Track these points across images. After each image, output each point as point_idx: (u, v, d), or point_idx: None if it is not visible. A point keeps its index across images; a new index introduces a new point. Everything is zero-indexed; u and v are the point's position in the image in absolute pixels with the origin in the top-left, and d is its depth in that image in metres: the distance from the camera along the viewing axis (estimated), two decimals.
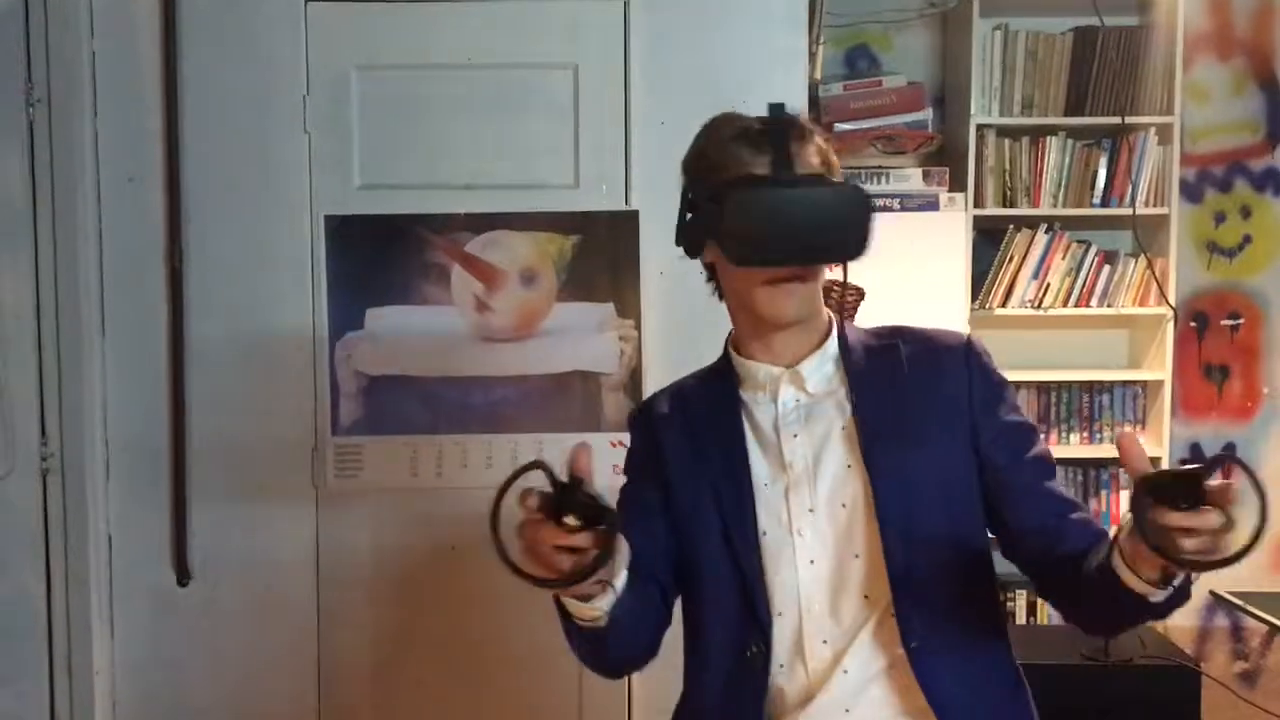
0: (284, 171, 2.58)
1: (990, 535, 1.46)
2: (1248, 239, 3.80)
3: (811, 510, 1.40)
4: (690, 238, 1.44)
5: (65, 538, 2.57)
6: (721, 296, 1.51)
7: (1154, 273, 3.55)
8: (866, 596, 1.38)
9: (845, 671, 1.36)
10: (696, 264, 2.57)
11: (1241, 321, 3.81)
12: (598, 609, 1.28)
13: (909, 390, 1.42)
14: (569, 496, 1.13)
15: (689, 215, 1.43)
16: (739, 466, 1.43)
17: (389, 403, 2.58)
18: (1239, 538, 1.12)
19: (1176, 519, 1.10)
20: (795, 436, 1.43)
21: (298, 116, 2.58)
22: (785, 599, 1.39)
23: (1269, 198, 3.79)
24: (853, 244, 1.35)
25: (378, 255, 2.58)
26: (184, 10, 2.56)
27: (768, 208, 1.34)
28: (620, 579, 1.28)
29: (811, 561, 1.39)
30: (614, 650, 1.38)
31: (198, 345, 2.61)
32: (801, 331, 1.43)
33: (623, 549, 1.25)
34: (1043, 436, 1.51)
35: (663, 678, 2.61)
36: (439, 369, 2.58)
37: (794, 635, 1.38)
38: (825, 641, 1.38)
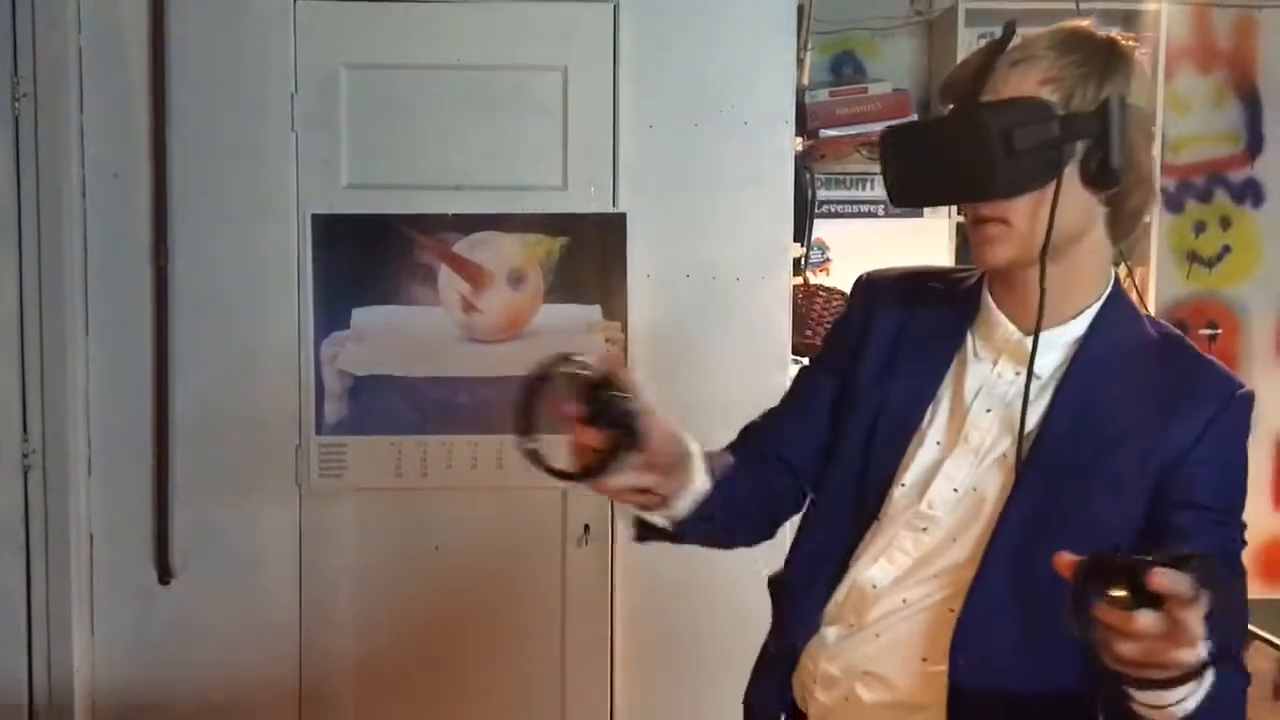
0: (271, 170, 2.57)
1: None
2: (1227, 249, 3.85)
3: (956, 490, 1.26)
4: None
5: (46, 535, 2.55)
6: None
7: (1134, 281, 3.57)
8: (935, 576, 1.26)
9: (877, 635, 1.27)
10: (682, 268, 2.62)
11: (1219, 331, 3.85)
12: (656, 520, 1.25)
13: (1130, 417, 1.21)
14: (598, 396, 1.09)
15: None
16: (915, 409, 1.30)
17: (374, 402, 2.58)
18: (1184, 654, 0.93)
19: (1102, 613, 0.92)
20: (989, 412, 1.26)
21: (285, 115, 2.57)
22: (885, 547, 1.29)
23: (1248, 208, 3.83)
24: (968, 180, 1.18)
25: (364, 255, 2.57)
26: (172, 6, 2.55)
27: (902, 143, 1.25)
28: (684, 489, 1.22)
29: (924, 530, 1.27)
30: (694, 540, 1.31)
31: (182, 343, 2.59)
32: (1050, 293, 1.20)
33: (680, 460, 1.19)
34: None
35: (645, 689, 2.64)
36: (425, 369, 2.58)
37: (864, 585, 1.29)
38: (874, 588, 1.28)
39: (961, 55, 3.50)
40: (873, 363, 1.35)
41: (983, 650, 1.19)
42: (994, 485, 1.25)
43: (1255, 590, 3.78)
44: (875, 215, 3.52)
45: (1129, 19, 3.61)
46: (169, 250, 2.58)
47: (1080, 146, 1.17)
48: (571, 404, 1.09)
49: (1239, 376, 1.26)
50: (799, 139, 2.73)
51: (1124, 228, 1.25)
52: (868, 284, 1.42)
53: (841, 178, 3.49)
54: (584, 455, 1.11)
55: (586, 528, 2.60)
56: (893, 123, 1.27)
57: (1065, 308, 1.24)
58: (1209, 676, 0.99)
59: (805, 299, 2.87)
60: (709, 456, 1.27)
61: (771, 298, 2.61)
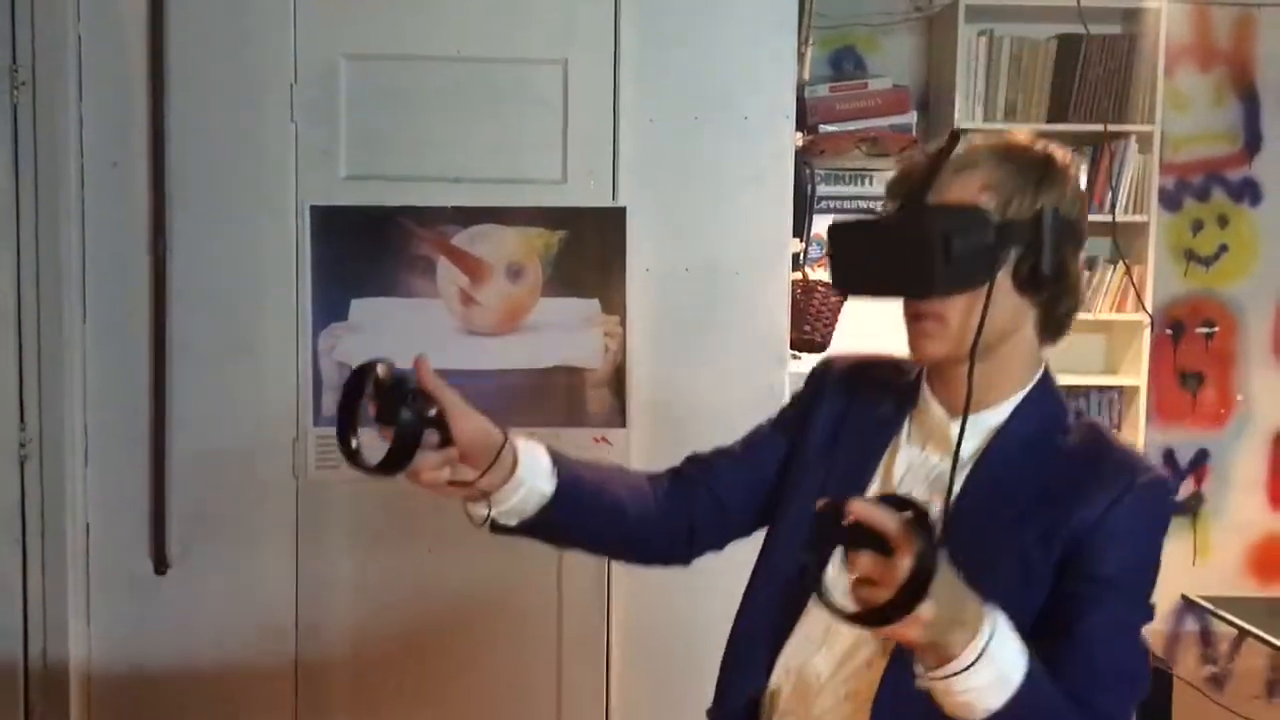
0: (270, 161, 2.57)
1: None
2: (1224, 248, 3.85)
3: None
4: None
5: (42, 524, 2.55)
6: None
7: (1132, 279, 3.59)
8: (863, 658, 1.29)
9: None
10: (681, 263, 2.62)
11: (1216, 330, 3.86)
12: (477, 514, 1.32)
13: (1039, 499, 1.24)
14: (388, 395, 1.20)
15: None
16: (855, 489, 1.33)
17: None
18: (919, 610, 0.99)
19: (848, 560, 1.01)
20: (903, 481, 1.33)
21: (285, 106, 2.56)
22: (814, 628, 1.33)
23: (1246, 207, 3.84)
24: (909, 280, 1.24)
25: (363, 247, 2.57)
26: None
27: (848, 240, 1.31)
28: (512, 486, 1.29)
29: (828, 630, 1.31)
30: (557, 542, 1.46)
31: (180, 334, 2.59)
32: (976, 378, 1.25)
33: (498, 465, 1.27)
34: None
35: (641, 688, 2.64)
36: None
37: (791, 673, 1.34)
38: (838, 689, 1.31)
39: (961, 53, 3.52)
40: (819, 436, 1.43)
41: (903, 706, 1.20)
42: None
43: (1252, 588, 3.80)
44: (874, 212, 3.52)
45: (1129, 17, 3.61)
46: (167, 240, 2.57)
47: (1014, 252, 1.24)
48: (371, 405, 1.20)
49: (1151, 463, 1.28)
50: (799, 134, 2.73)
51: (1053, 330, 1.32)
52: (823, 368, 1.50)
53: (841, 173, 3.49)
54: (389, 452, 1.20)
55: None
56: (840, 218, 1.35)
57: (991, 395, 1.30)
58: (988, 657, 1.05)
59: (804, 294, 2.87)
60: (567, 463, 1.35)
61: (771, 293, 2.61)
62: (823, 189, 3.37)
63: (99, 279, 2.58)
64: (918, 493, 1.28)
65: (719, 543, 1.50)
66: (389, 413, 1.19)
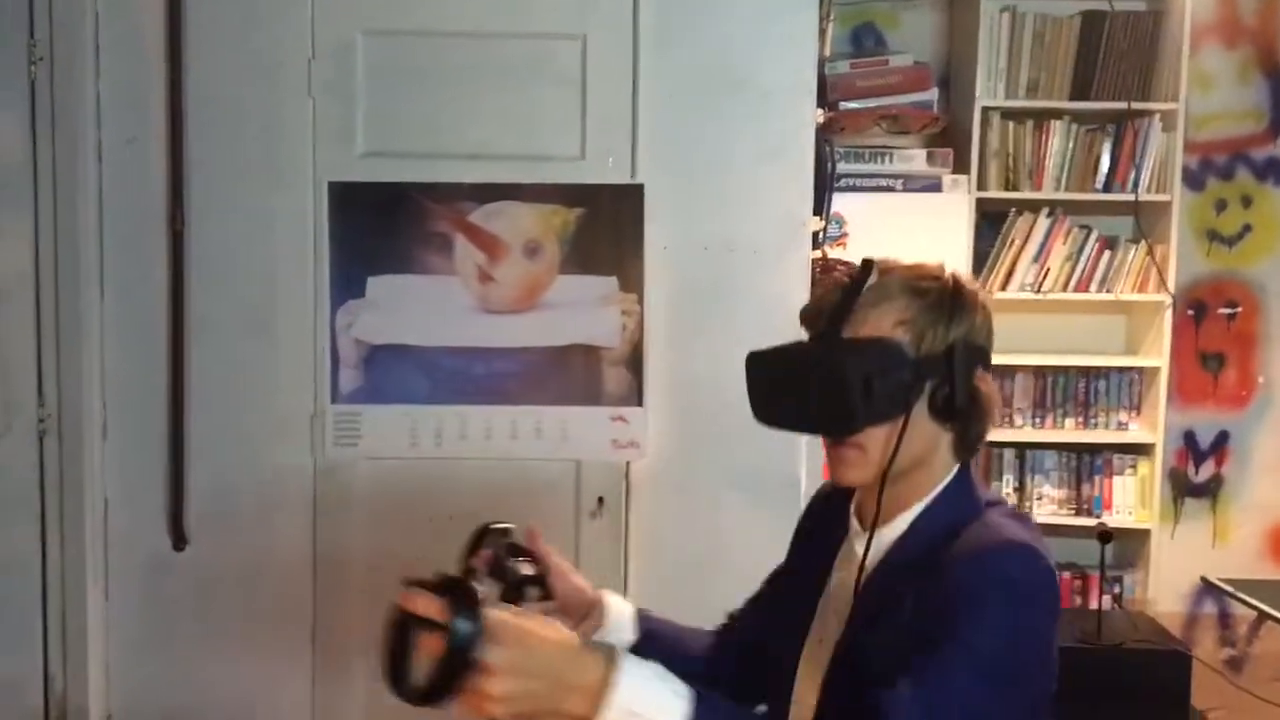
0: (287, 136, 2.56)
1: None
2: (1248, 228, 3.82)
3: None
4: None
5: (61, 500, 2.56)
6: None
7: (1154, 259, 3.56)
8: None
9: None
10: (699, 241, 2.60)
11: (1239, 310, 3.83)
12: None
13: (911, 603, 1.24)
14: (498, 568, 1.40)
15: None
16: (805, 615, 1.42)
17: (389, 372, 2.57)
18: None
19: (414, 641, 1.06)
20: (834, 595, 1.39)
21: (302, 81, 2.55)
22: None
23: (1270, 187, 3.80)
24: (837, 417, 1.27)
25: (380, 223, 2.56)
26: None
27: (765, 367, 1.35)
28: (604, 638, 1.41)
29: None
30: None
31: (197, 309, 2.59)
32: (886, 495, 1.30)
33: (590, 612, 1.45)
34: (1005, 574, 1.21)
35: None
36: (440, 339, 2.57)
37: None
38: None
39: (983, 30, 3.48)
40: (792, 557, 1.55)
41: None
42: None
43: (1272, 571, 3.78)
44: (894, 190, 3.50)
45: None
46: (185, 216, 2.57)
47: (929, 384, 1.28)
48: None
49: (1016, 539, 1.24)
50: (819, 111, 2.70)
51: (967, 449, 1.34)
52: (817, 496, 1.57)
53: (861, 150, 3.47)
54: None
55: (600, 500, 2.60)
56: (756, 349, 1.36)
57: (898, 503, 1.33)
58: (620, 709, 1.03)
59: (823, 272, 2.85)
60: (648, 616, 1.51)
61: (790, 271, 2.59)
62: (843, 166, 3.35)
63: (117, 255, 2.58)
64: (828, 609, 1.37)
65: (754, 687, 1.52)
66: (498, 569, 1.40)
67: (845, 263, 2.90)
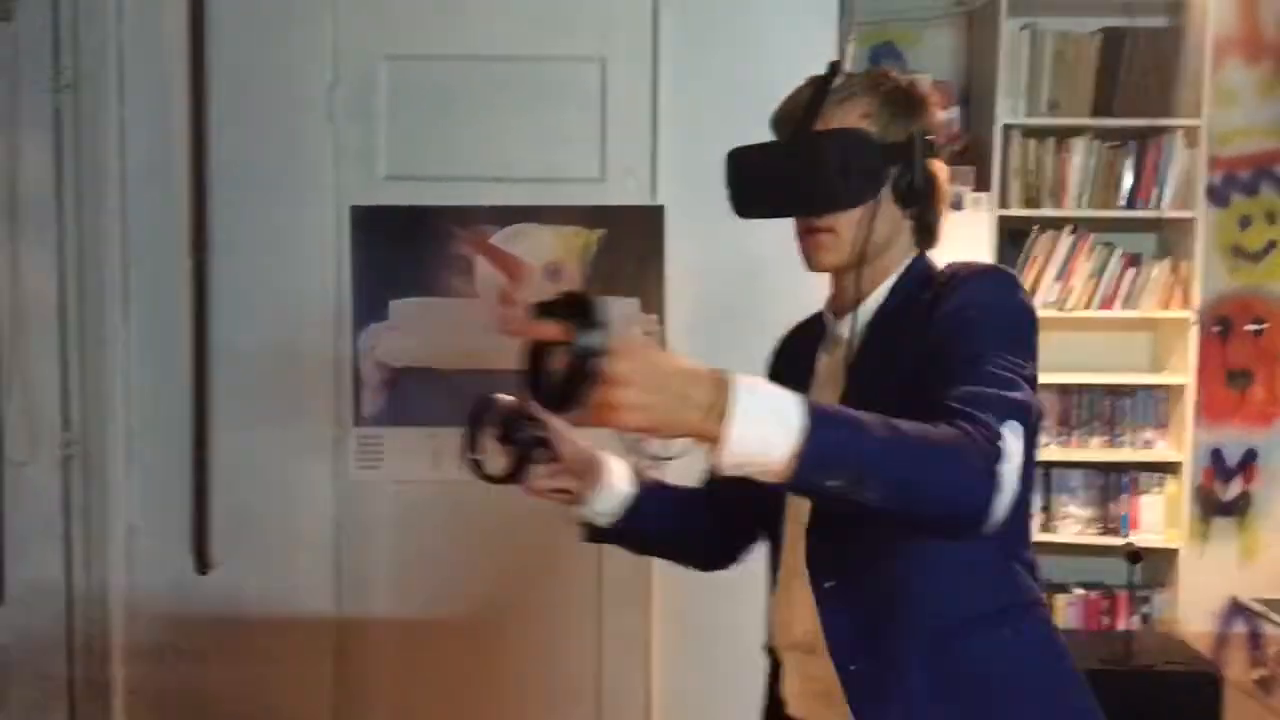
0: (310, 161, 2.58)
1: None
2: (1272, 244, 3.78)
3: None
4: None
5: (86, 525, 2.57)
6: None
7: (1179, 276, 3.53)
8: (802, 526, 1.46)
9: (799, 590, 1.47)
10: (722, 259, 2.59)
11: (1265, 327, 3.79)
12: (582, 514, 1.56)
13: (906, 340, 1.38)
14: (508, 423, 1.46)
15: None
16: None
17: (412, 394, 2.58)
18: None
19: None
20: (822, 385, 1.50)
21: (324, 106, 2.57)
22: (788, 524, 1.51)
23: None
24: (801, 197, 1.41)
25: (402, 246, 2.57)
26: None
27: (745, 164, 1.46)
28: (599, 491, 1.53)
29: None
30: (640, 548, 1.69)
31: (221, 334, 2.60)
32: (861, 278, 1.43)
33: (592, 467, 1.52)
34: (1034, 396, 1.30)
35: (682, 682, 2.63)
36: (462, 361, 2.57)
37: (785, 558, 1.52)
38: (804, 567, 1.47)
39: (1003, 47, 3.47)
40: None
41: (836, 563, 1.41)
42: None
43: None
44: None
45: (1175, 9, 3.55)
46: (208, 241, 2.59)
47: (893, 171, 1.41)
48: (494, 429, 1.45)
49: (992, 265, 1.44)
50: None
51: (927, 236, 1.48)
52: (774, 348, 1.69)
53: None
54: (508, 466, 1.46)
55: None
56: (737, 146, 1.49)
57: (875, 279, 1.46)
58: (741, 414, 1.09)
59: None
60: (643, 476, 1.58)
61: (811, 293, 2.57)
62: None
63: (141, 281, 2.60)
64: (824, 389, 1.47)
65: (752, 538, 1.65)
66: (509, 435, 1.45)
67: None
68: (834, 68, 1.42)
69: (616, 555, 2.59)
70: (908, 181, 1.41)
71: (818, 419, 1.11)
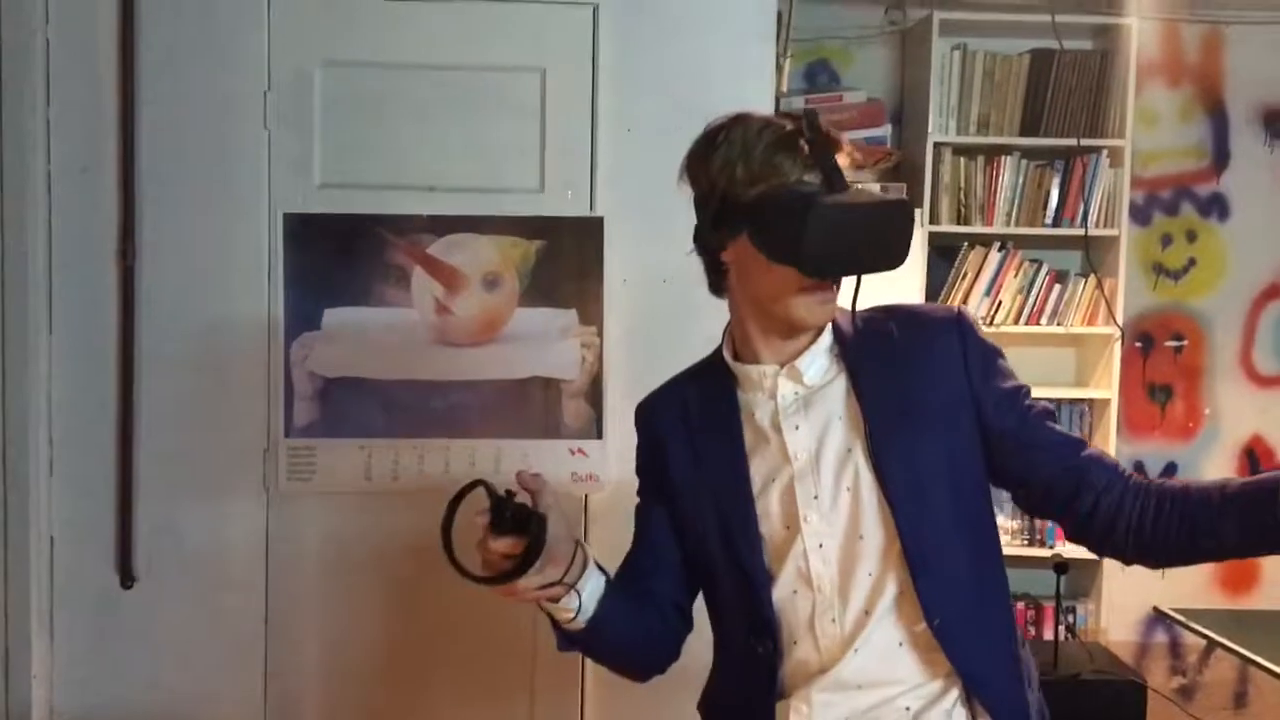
0: (243, 168, 2.54)
1: (1012, 494, 1.53)
2: (1192, 262, 3.89)
3: (816, 497, 1.43)
4: (716, 240, 1.47)
5: (5, 537, 2.49)
6: (719, 294, 1.53)
7: (1103, 293, 3.61)
8: (870, 575, 1.42)
9: (855, 651, 1.41)
10: (659, 273, 2.60)
11: (1185, 343, 3.89)
12: (568, 609, 1.41)
13: (906, 368, 1.45)
14: (501, 509, 1.30)
15: (716, 217, 1.46)
16: (737, 473, 1.47)
17: (345, 405, 2.54)
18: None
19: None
20: (797, 429, 1.45)
21: (258, 112, 2.53)
22: (798, 581, 1.44)
23: (1214, 222, 3.88)
24: (898, 253, 1.39)
25: (337, 255, 2.54)
26: None
27: (835, 221, 1.36)
28: (587, 583, 1.41)
29: (820, 545, 1.43)
30: (603, 650, 1.52)
31: (149, 343, 2.55)
32: (785, 324, 1.45)
33: (578, 558, 1.39)
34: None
35: (616, 697, 2.61)
36: (397, 372, 2.54)
37: (807, 615, 1.43)
38: (834, 620, 1.42)
39: (935, 67, 3.53)
40: (680, 465, 1.53)
41: (945, 597, 1.40)
42: (849, 474, 1.43)
43: (1220, 601, 3.81)
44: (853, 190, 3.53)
45: (1101, 33, 3.65)
46: (136, 247, 2.53)
47: None
48: (484, 515, 1.31)
49: (944, 306, 1.57)
50: None
51: None
52: (641, 410, 1.62)
53: None
54: (496, 563, 1.33)
55: None
56: (802, 194, 1.38)
57: (811, 332, 1.46)
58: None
59: None
60: (600, 565, 1.46)
61: None
62: None
63: (66, 287, 2.54)
64: (814, 417, 1.45)
65: (686, 623, 1.59)
66: (502, 525, 1.31)
67: None
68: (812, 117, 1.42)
69: None
70: None
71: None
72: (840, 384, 1.46)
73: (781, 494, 1.44)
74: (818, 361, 1.46)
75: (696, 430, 1.51)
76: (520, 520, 1.30)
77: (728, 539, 1.46)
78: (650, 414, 1.60)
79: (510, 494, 1.31)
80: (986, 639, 1.44)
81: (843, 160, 1.40)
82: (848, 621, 1.42)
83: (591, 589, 1.42)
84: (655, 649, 1.56)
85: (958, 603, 1.40)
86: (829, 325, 1.47)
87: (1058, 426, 1.49)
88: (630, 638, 1.51)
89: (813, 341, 1.47)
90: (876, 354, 1.46)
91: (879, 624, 1.41)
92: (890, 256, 1.38)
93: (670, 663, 1.58)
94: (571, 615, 1.41)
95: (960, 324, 1.48)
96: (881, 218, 1.38)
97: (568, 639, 1.47)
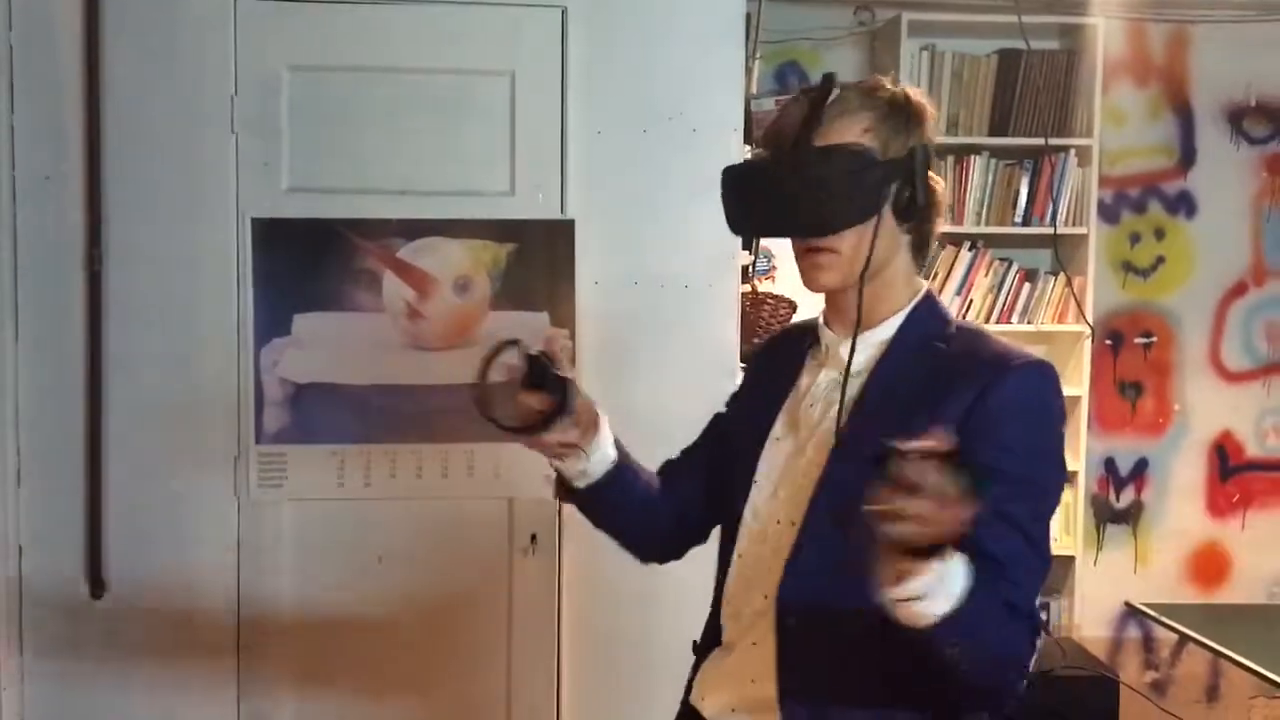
0: (210, 173, 2.51)
1: None
2: (1161, 259, 3.92)
3: (782, 460, 1.47)
4: None
5: None
6: None
7: (1073, 291, 3.64)
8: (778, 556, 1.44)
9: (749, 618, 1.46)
10: (630, 275, 2.60)
11: (1154, 340, 3.93)
12: (575, 469, 1.49)
13: (921, 397, 1.35)
14: (534, 367, 1.40)
15: None
16: (764, 421, 1.50)
17: (316, 411, 2.53)
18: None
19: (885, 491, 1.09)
20: (811, 407, 1.46)
21: (225, 116, 2.51)
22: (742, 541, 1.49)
23: (1181, 220, 3.91)
24: (816, 219, 1.36)
25: (306, 260, 2.52)
26: (107, 3, 2.48)
27: (746, 183, 1.41)
28: (596, 450, 1.48)
29: (754, 518, 1.48)
30: (598, 515, 1.59)
31: (116, 351, 2.52)
32: (862, 297, 1.39)
33: (594, 423, 1.46)
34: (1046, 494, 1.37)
35: (592, 699, 2.62)
36: (369, 377, 2.53)
37: (735, 584, 1.49)
38: (759, 592, 1.45)
39: (905, 65, 3.55)
40: (745, 393, 1.64)
41: (806, 584, 1.38)
42: (817, 457, 1.42)
43: (1192, 595, 3.85)
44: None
45: (1068, 33, 3.67)
46: (103, 254, 2.51)
47: (894, 185, 1.38)
48: (519, 371, 1.40)
49: (1032, 353, 1.40)
50: (746, 147, 2.73)
51: (923, 252, 1.47)
52: (757, 348, 1.71)
53: None
54: (527, 416, 1.40)
55: (533, 537, 2.57)
56: (731, 164, 1.45)
57: (877, 315, 1.44)
58: (949, 578, 1.13)
59: (754, 306, 2.87)
60: (620, 443, 1.53)
61: (720, 305, 2.60)
62: None
63: (31, 294, 2.51)
64: (818, 407, 1.45)
65: (703, 535, 1.64)
66: (536, 381, 1.39)
67: (775, 296, 2.92)
68: (830, 80, 1.37)
69: (525, 571, 2.58)
70: (909, 197, 1.37)
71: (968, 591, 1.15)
72: (860, 381, 1.42)
73: (780, 456, 1.47)
74: (866, 351, 1.42)
75: (768, 373, 1.57)
76: (549, 379, 1.39)
77: (732, 475, 1.51)
78: (764, 346, 1.71)
79: (541, 355, 1.40)
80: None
81: (857, 127, 1.35)
82: (757, 597, 1.44)
83: (600, 457, 1.48)
84: (651, 534, 1.62)
85: (816, 628, 1.37)
86: (901, 316, 1.43)
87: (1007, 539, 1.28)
88: (628, 515, 1.58)
89: (879, 323, 1.43)
90: (911, 372, 1.40)
91: (766, 610, 1.42)
92: (800, 223, 1.38)
93: (669, 557, 1.65)
94: (577, 473, 1.49)
95: (996, 376, 1.33)
96: (783, 182, 1.37)
97: (568, 492, 1.53)
